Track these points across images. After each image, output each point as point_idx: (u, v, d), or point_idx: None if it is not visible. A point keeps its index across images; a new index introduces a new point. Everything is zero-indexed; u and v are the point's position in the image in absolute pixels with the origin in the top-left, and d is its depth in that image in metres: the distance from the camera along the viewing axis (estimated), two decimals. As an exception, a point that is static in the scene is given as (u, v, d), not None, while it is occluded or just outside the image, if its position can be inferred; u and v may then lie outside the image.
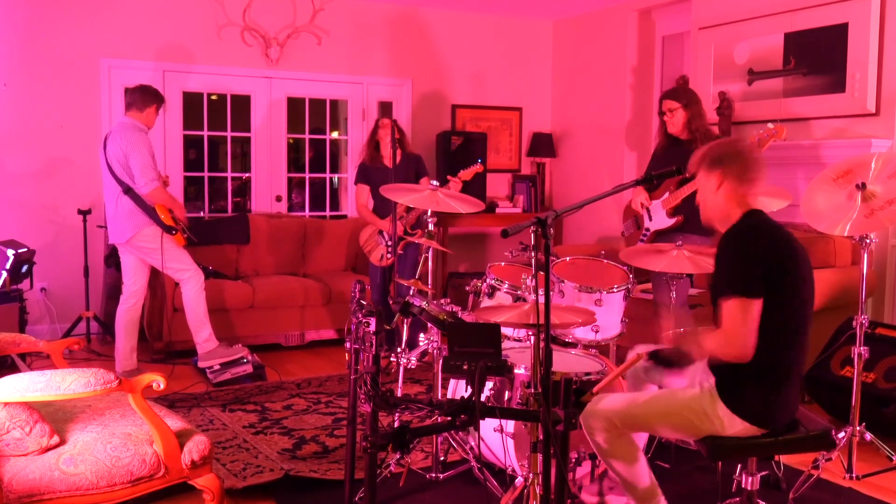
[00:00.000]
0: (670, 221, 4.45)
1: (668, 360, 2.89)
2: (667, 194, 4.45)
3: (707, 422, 2.64)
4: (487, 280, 3.66)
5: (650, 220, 4.56)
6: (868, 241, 3.53)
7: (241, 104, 6.78)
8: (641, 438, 3.13)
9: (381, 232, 5.34)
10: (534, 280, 2.53)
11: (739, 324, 2.51)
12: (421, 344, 3.58)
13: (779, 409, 2.65)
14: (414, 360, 3.54)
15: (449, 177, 4.95)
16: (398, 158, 5.28)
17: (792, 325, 2.62)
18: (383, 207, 5.21)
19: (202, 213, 6.66)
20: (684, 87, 4.63)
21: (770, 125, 4.04)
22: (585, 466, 3.25)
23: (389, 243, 5.25)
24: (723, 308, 2.55)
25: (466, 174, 4.93)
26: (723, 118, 5.64)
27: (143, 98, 4.97)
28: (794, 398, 2.69)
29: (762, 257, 2.55)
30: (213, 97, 6.74)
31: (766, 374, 2.61)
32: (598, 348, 3.64)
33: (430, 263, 3.81)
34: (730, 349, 2.54)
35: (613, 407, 2.72)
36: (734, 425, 2.63)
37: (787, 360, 2.63)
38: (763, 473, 3.08)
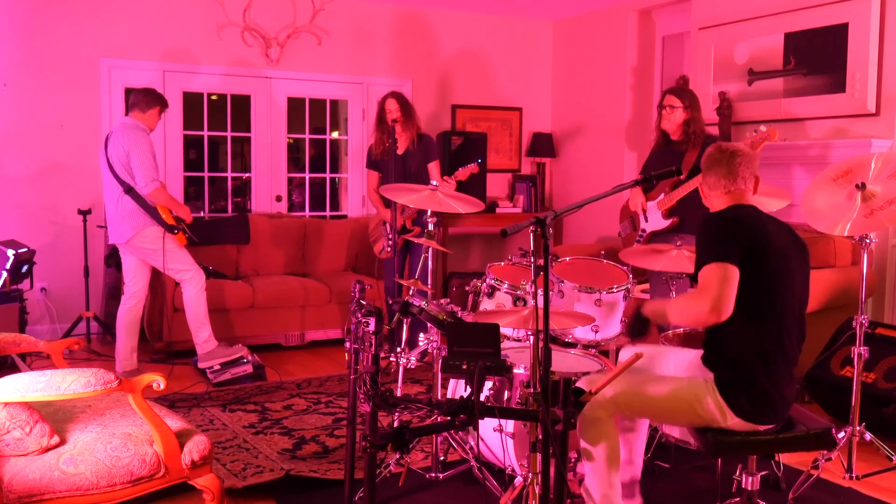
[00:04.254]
0: (666, 223, 4.46)
1: (640, 323, 2.97)
2: (662, 196, 4.46)
3: (707, 409, 2.68)
4: (487, 280, 3.66)
5: (646, 221, 4.58)
6: (868, 241, 3.53)
7: (241, 104, 6.78)
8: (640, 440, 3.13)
9: (384, 223, 5.34)
10: (533, 286, 2.54)
11: (716, 283, 2.58)
12: (421, 344, 3.58)
13: (763, 404, 2.68)
14: (414, 359, 3.54)
15: (445, 177, 4.94)
16: (404, 148, 5.25)
17: (768, 312, 2.67)
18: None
19: (202, 213, 6.66)
20: (689, 89, 4.66)
21: (762, 127, 4.05)
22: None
23: (391, 237, 5.25)
24: (701, 274, 2.64)
25: (462, 174, 4.90)
26: (723, 118, 5.65)
27: (147, 100, 4.98)
28: (783, 393, 2.71)
29: (737, 237, 2.65)
30: (214, 97, 6.74)
31: (750, 368, 2.66)
32: (597, 348, 3.64)
33: (430, 263, 3.81)
34: (702, 305, 2.58)
35: (617, 388, 2.73)
36: (732, 416, 2.67)
37: (766, 352, 2.67)
38: (763, 473, 3.08)
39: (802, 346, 2.80)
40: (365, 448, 2.54)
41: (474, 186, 5.15)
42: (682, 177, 4.32)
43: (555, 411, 2.32)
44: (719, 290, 2.57)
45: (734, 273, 2.59)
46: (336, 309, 6.09)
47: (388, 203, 5.25)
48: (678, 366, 2.95)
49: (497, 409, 2.66)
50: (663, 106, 4.48)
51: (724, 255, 2.60)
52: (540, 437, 2.38)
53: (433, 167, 5.30)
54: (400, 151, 5.23)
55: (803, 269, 2.78)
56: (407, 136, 5.24)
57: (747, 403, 2.66)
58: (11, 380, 2.45)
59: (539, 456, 2.40)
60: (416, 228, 5.18)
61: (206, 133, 6.71)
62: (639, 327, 2.97)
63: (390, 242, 5.24)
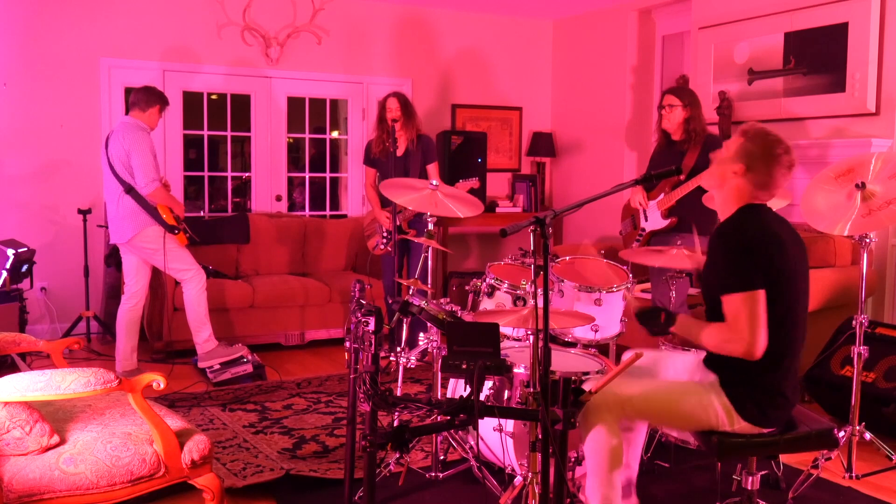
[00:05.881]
0: (665, 223, 4.46)
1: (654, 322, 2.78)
2: (662, 195, 4.46)
3: (715, 413, 2.64)
4: (487, 279, 3.66)
5: (646, 220, 4.58)
6: (868, 240, 3.54)
7: (241, 104, 6.78)
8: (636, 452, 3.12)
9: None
10: (533, 286, 2.53)
11: (746, 320, 2.52)
12: (420, 343, 3.58)
13: (772, 408, 2.66)
14: (413, 359, 3.54)
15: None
16: (403, 147, 5.25)
17: (783, 321, 2.61)
18: (385, 197, 5.16)
19: (202, 213, 6.66)
20: (688, 88, 4.65)
21: None
22: (585, 466, 3.24)
23: (385, 235, 5.25)
24: (725, 305, 2.56)
25: (462, 187, 4.79)
26: (723, 118, 5.65)
27: (147, 98, 4.97)
28: (790, 397, 2.69)
29: (753, 252, 2.56)
30: (214, 97, 6.74)
31: (760, 373, 2.62)
32: (597, 348, 3.64)
33: (429, 263, 3.82)
34: (736, 345, 2.54)
35: (620, 391, 2.69)
36: (739, 420, 2.64)
37: (780, 358, 2.63)
38: (763, 473, 3.08)
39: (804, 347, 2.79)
40: (365, 447, 2.54)
41: (474, 185, 5.16)
42: (682, 177, 4.32)
43: (554, 411, 2.32)
44: (751, 329, 2.52)
45: (761, 300, 2.52)
46: (336, 308, 6.09)
47: (384, 204, 5.25)
48: (681, 368, 2.93)
49: (497, 409, 2.66)
50: (662, 106, 4.48)
51: (749, 283, 2.53)
52: (540, 436, 2.38)
53: (432, 168, 5.30)
54: (399, 153, 5.24)
55: (805, 269, 2.75)
56: (406, 136, 5.24)
57: (755, 408, 2.63)
58: (11, 379, 2.45)
59: (539, 455, 2.40)
60: (413, 231, 5.18)
61: (206, 133, 6.71)
62: (654, 324, 2.80)
63: (385, 241, 5.25)
